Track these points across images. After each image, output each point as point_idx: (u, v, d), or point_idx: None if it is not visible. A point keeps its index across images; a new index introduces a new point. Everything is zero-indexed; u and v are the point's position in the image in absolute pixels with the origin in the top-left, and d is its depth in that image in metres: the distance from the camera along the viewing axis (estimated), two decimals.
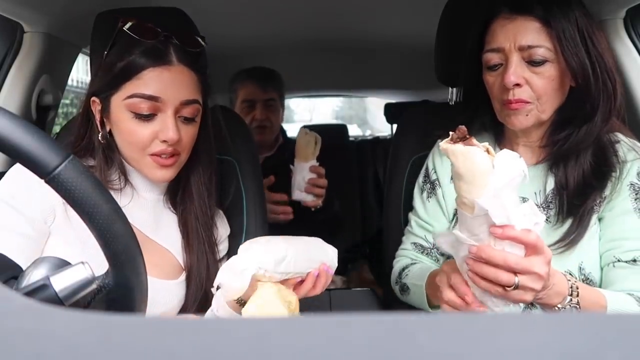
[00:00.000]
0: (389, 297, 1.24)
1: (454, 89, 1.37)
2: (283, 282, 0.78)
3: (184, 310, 0.92)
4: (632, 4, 1.15)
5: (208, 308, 0.94)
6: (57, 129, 1.43)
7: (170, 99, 0.84)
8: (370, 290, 1.70)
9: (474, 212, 0.65)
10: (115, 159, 0.90)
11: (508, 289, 0.67)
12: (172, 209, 0.97)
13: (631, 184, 0.86)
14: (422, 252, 1.04)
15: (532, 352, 0.18)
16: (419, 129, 1.25)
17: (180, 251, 0.95)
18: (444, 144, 0.67)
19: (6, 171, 1.22)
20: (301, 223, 1.77)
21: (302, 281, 0.81)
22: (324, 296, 1.65)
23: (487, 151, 0.65)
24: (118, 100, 0.85)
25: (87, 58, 1.16)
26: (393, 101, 2.86)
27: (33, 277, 0.51)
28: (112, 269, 0.52)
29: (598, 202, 0.87)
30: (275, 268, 0.76)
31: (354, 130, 5.67)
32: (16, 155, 0.45)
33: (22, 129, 0.44)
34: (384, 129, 3.77)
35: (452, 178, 0.98)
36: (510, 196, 0.65)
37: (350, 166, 2.45)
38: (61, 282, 0.50)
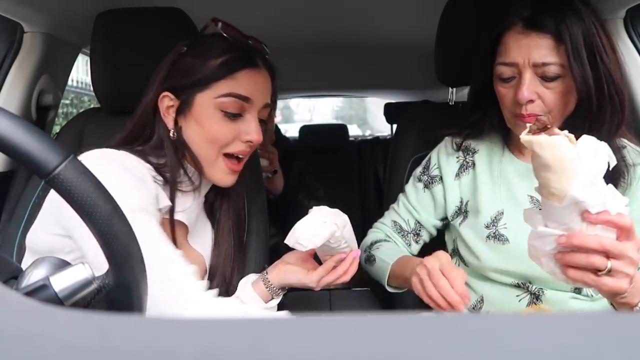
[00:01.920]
0: (389, 297, 1.24)
1: (454, 89, 1.37)
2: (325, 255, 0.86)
3: None
4: (632, 4, 1.15)
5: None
6: (57, 129, 1.43)
7: (258, 101, 0.86)
8: (370, 290, 1.70)
9: (563, 202, 0.64)
10: (186, 157, 0.88)
11: (600, 273, 0.65)
12: (207, 214, 0.98)
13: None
14: (398, 233, 1.09)
15: (532, 352, 0.18)
16: (419, 129, 1.26)
17: (209, 254, 0.95)
18: (525, 136, 0.65)
19: (6, 171, 1.23)
20: (285, 224, 1.83)
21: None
22: (323, 296, 1.65)
23: (568, 138, 0.64)
24: (207, 98, 0.84)
25: (87, 58, 1.16)
26: (393, 101, 2.86)
27: (33, 277, 0.51)
28: (112, 269, 0.52)
29: None
30: (342, 229, 0.81)
31: (354, 130, 5.68)
32: (16, 155, 0.44)
33: (22, 129, 0.44)
34: (384, 129, 3.77)
35: (493, 172, 0.99)
36: (602, 182, 0.64)
37: (350, 166, 2.45)
38: (61, 282, 0.50)
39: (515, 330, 0.20)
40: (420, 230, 1.07)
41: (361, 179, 2.43)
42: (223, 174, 0.87)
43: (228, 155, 0.86)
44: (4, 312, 0.21)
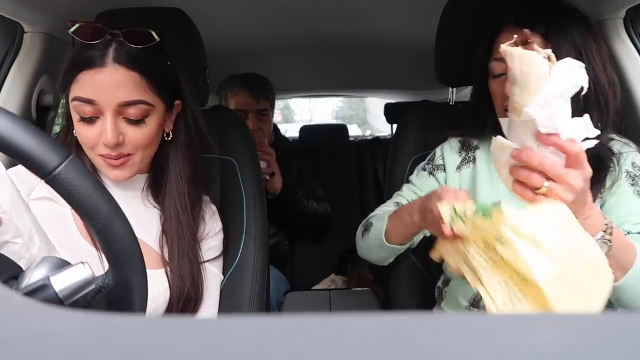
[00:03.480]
0: (389, 297, 1.24)
1: (454, 89, 1.37)
2: None
3: (170, 307, 0.92)
4: (632, 4, 1.15)
5: (194, 309, 0.94)
6: (57, 129, 1.43)
7: (106, 101, 0.83)
8: (370, 290, 1.70)
9: (521, 117, 0.65)
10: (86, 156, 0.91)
11: (537, 191, 0.68)
12: (153, 203, 0.97)
13: (627, 172, 0.92)
14: None
15: (532, 352, 0.18)
16: (419, 129, 1.26)
17: (159, 244, 0.94)
18: (504, 45, 0.67)
19: None
20: (284, 223, 1.83)
21: None
22: (323, 296, 1.65)
23: (549, 58, 0.64)
24: (70, 101, 0.86)
25: None
26: (393, 101, 2.85)
27: (33, 277, 0.51)
28: (112, 269, 0.52)
29: (599, 196, 0.91)
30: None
31: (354, 130, 5.67)
32: (16, 155, 0.45)
33: (22, 129, 0.44)
34: (384, 129, 3.77)
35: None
36: (560, 107, 0.63)
37: (350, 166, 2.44)
38: (61, 282, 0.50)
39: (516, 330, 0.20)
40: None
41: (361, 179, 2.42)
42: (107, 170, 0.89)
43: (102, 156, 0.87)
44: (4, 312, 0.21)
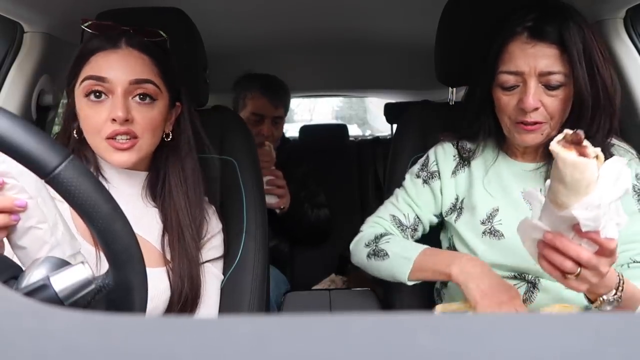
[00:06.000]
0: (389, 297, 1.24)
1: (454, 89, 1.37)
2: None
3: (170, 306, 0.92)
4: (632, 4, 1.15)
5: (192, 309, 0.94)
6: (57, 129, 1.43)
7: (118, 78, 0.86)
8: (370, 290, 1.70)
9: (562, 212, 0.66)
10: (90, 154, 0.93)
11: (569, 276, 0.71)
12: (153, 203, 0.97)
13: (632, 185, 0.89)
14: (398, 227, 1.07)
15: (532, 352, 0.18)
16: (419, 129, 1.26)
17: (160, 243, 0.95)
18: (555, 145, 0.64)
19: None
20: (285, 232, 1.81)
21: None
22: (323, 296, 1.65)
23: (597, 157, 0.64)
24: (76, 90, 0.89)
25: None
26: (393, 101, 2.85)
27: (33, 277, 0.51)
28: (112, 269, 0.52)
29: None
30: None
31: (354, 130, 5.67)
32: (16, 155, 0.45)
33: (22, 129, 0.44)
34: (384, 129, 3.77)
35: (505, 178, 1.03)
36: (605, 211, 0.65)
37: (350, 166, 2.44)
38: (61, 282, 0.50)
39: (515, 331, 0.20)
40: (417, 226, 1.08)
41: (361, 179, 2.42)
42: (112, 154, 0.89)
43: (109, 139, 0.88)
44: (4, 312, 0.21)
